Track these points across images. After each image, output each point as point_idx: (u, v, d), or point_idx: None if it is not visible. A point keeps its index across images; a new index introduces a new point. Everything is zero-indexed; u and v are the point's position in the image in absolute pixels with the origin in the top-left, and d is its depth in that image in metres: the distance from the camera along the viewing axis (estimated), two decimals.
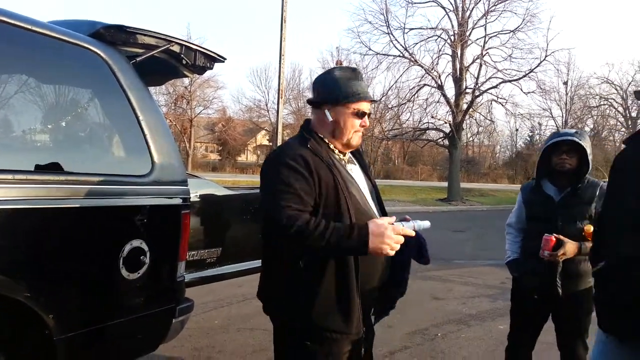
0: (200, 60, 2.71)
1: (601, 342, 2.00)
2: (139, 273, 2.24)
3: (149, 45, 2.53)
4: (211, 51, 2.77)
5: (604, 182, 2.79)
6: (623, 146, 1.93)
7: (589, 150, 2.75)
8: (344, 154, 2.05)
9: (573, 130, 2.83)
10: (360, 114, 1.98)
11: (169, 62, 2.68)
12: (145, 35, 2.50)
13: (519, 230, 3.02)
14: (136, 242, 2.23)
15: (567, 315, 2.80)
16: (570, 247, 2.61)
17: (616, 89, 40.52)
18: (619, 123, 43.41)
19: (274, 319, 1.99)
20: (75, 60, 2.32)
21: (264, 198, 1.89)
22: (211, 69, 2.82)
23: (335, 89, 1.95)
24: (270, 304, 1.99)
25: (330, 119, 1.96)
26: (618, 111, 41.92)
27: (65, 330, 2.00)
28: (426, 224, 1.99)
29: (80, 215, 2.09)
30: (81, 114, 2.51)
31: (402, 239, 1.77)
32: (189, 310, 2.58)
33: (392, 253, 1.77)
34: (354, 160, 2.11)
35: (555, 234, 2.64)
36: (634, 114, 40.36)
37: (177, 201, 2.41)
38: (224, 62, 2.82)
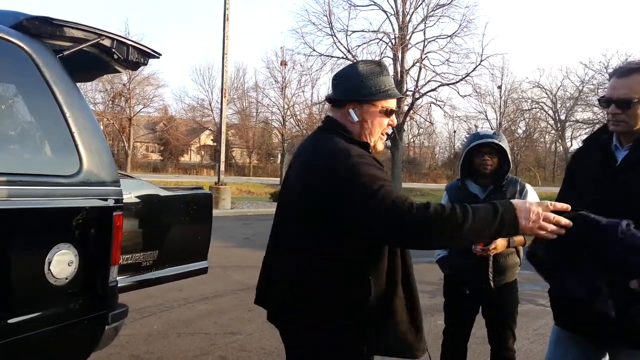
0: (134, 56, 2.60)
1: (554, 334, 2.12)
2: (67, 279, 2.12)
3: (77, 38, 2.40)
4: (145, 46, 2.67)
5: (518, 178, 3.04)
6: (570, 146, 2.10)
7: (508, 151, 2.91)
8: None
9: (491, 132, 3.00)
10: (388, 112, 1.80)
11: (100, 56, 2.55)
12: (73, 28, 2.37)
13: None
14: (63, 246, 2.10)
15: (497, 307, 2.95)
16: (500, 241, 2.75)
17: (546, 93, 42.88)
18: (549, 125, 45.95)
19: (307, 338, 1.69)
20: None
21: (355, 197, 1.52)
22: (145, 64, 2.72)
23: (362, 85, 1.74)
24: (308, 320, 1.66)
25: (356, 119, 1.75)
26: (548, 114, 44.35)
27: None
28: None
29: (0, 217, 1.94)
30: (2, 111, 2.35)
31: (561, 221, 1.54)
32: (123, 316, 2.47)
33: (553, 235, 1.54)
34: None
35: None
36: (562, 117, 42.79)
37: (109, 202, 2.30)
38: (159, 57, 2.73)
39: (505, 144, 2.90)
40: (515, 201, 1.54)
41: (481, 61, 24.36)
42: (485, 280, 2.87)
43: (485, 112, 37.30)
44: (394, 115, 1.81)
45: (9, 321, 1.97)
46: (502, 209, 1.51)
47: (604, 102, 1.90)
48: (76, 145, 2.22)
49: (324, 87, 27.35)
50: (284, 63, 33.24)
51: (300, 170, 1.73)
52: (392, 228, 1.49)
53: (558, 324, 2.11)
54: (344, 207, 1.55)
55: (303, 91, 31.64)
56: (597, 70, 32.10)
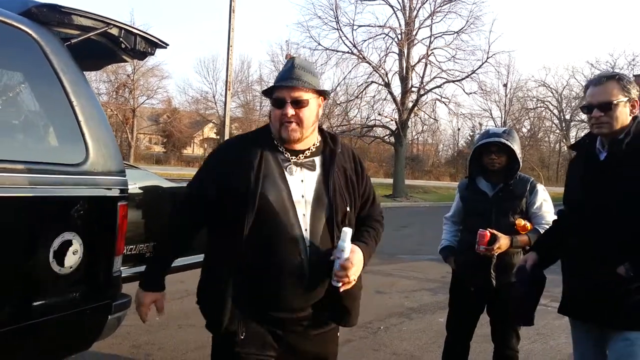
0: (141, 45, 2.58)
1: (572, 330, 2.35)
2: (71, 268, 2.12)
3: (85, 27, 2.38)
4: (152, 36, 2.65)
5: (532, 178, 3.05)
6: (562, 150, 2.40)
7: (517, 150, 2.87)
8: (296, 154, 1.89)
9: (502, 130, 2.98)
10: (277, 103, 1.84)
11: (107, 45, 2.53)
12: (81, 16, 2.35)
13: (454, 223, 3.18)
14: (68, 235, 2.10)
15: (501, 306, 2.91)
16: (503, 241, 2.73)
17: (552, 92, 42.72)
18: (554, 125, 45.81)
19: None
20: (3, 41, 2.14)
21: None
22: (152, 54, 2.70)
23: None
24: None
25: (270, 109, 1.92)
26: (553, 114, 44.20)
27: None
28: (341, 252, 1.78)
29: (5, 205, 1.94)
30: (9, 98, 2.34)
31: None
32: (126, 306, 2.47)
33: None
34: (315, 167, 1.90)
35: (489, 229, 2.75)
36: (567, 117, 42.63)
37: (114, 192, 2.29)
38: (166, 47, 2.71)
39: (515, 142, 2.87)
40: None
41: (487, 58, 24.31)
42: (488, 278, 2.85)
43: (490, 110, 37.10)
44: (287, 106, 1.83)
45: (14, 309, 1.97)
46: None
47: (586, 108, 2.14)
48: (83, 135, 2.21)
49: (329, 82, 27.15)
50: (288, 56, 33.25)
51: None
52: None
53: (563, 312, 2.28)
54: None
55: None
56: (604, 70, 31.94)
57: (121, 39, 2.52)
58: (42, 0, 2.28)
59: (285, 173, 1.85)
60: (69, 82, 2.22)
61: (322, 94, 1.91)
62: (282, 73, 1.87)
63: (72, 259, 2.11)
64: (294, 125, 1.81)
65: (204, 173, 1.96)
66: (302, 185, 1.86)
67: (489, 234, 2.74)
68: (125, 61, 2.79)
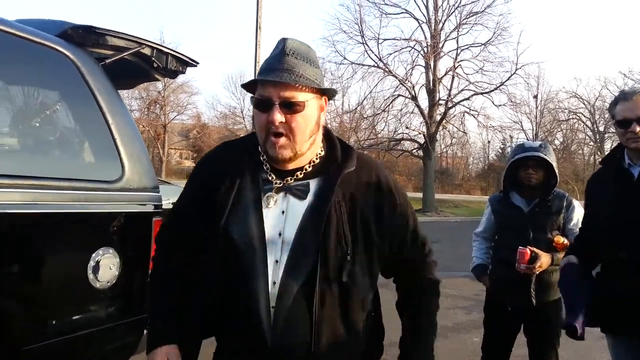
0: (172, 64, 2.65)
1: (612, 347, 2.31)
2: (108, 282, 2.16)
3: (119, 47, 2.46)
4: (183, 55, 2.72)
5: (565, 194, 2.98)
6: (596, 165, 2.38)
7: (554, 164, 2.80)
8: (284, 176, 1.37)
9: (537, 144, 2.90)
10: (260, 104, 1.30)
11: (140, 65, 2.60)
12: (115, 36, 2.43)
13: (485, 239, 3.10)
14: (105, 250, 2.14)
15: (540, 325, 2.83)
16: (545, 259, 2.65)
17: (584, 104, 41.73)
18: (587, 137, 44.68)
19: None
20: (41, 61, 2.23)
21: None
22: (184, 73, 2.76)
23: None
24: None
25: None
26: (586, 125, 43.14)
27: (32, 341, 1.94)
28: None
29: (45, 222, 2.00)
30: (47, 117, 2.42)
31: None
32: None
33: None
34: (307, 194, 1.36)
35: (529, 247, 2.66)
36: (601, 129, 41.56)
37: (149, 208, 2.33)
38: (196, 66, 2.77)
39: (551, 156, 2.80)
40: None
41: (516, 70, 23.95)
42: (527, 297, 2.76)
43: (521, 122, 36.40)
44: (274, 110, 1.29)
45: (54, 322, 2.01)
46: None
47: (622, 123, 2.11)
48: (118, 152, 2.27)
49: (355, 96, 27.19)
50: None
51: None
52: None
53: (606, 331, 2.24)
54: None
55: (334, 100, 31.63)
56: (638, 80, 31.05)
57: (153, 58, 2.59)
58: (77, 22, 2.36)
59: (262, 202, 1.35)
60: (104, 101, 2.29)
61: (326, 92, 1.36)
62: (269, 61, 1.31)
63: (108, 273, 2.15)
64: (283, 140, 1.30)
65: (182, 197, 1.57)
66: (281, 219, 1.34)
67: (529, 252, 2.65)
68: (158, 80, 2.86)
